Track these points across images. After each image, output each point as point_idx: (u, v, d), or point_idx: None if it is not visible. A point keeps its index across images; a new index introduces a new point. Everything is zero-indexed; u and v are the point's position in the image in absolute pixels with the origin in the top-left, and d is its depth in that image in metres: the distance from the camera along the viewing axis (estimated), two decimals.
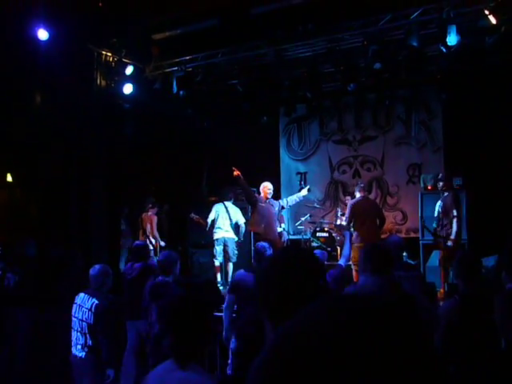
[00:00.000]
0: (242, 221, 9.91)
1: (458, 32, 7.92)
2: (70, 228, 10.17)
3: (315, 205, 11.79)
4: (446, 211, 8.37)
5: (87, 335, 5.14)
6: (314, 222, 11.61)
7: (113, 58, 10.41)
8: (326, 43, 9.27)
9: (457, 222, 8.19)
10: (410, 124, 11.98)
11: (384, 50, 8.91)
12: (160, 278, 5.83)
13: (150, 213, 10.98)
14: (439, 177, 8.76)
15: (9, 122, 9.72)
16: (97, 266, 5.41)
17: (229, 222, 9.87)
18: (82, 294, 5.31)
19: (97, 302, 5.16)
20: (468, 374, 3.32)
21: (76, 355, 5.20)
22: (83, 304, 5.22)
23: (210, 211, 10.11)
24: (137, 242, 8.25)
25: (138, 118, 10.95)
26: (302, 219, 11.37)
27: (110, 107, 10.42)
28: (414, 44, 8.39)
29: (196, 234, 10.92)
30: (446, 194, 8.48)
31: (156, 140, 11.58)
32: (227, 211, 9.90)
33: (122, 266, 10.75)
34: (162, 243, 10.99)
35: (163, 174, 12.13)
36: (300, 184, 12.90)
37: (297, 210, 12.12)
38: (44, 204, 10.70)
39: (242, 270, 6.07)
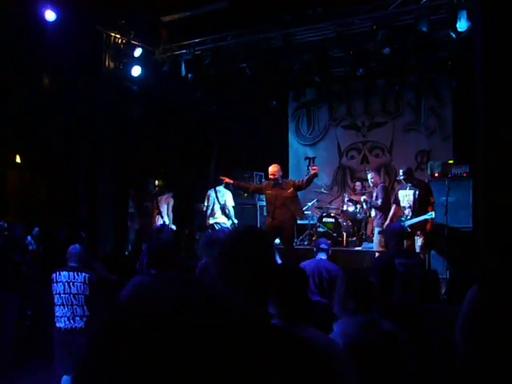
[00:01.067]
0: (229, 203, 10.05)
1: (469, 17, 7.82)
2: (77, 210, 10.22)
3: (322, 190, 11.76)
4: (421, 201, 8.44)
5: (84, 307, 5.51)
6: (320, 208, 11.60)
7: (121, 40, 10.37)
8: (335, 27, 9.17)
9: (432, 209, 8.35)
10: (420, 110, 11.90)
11: (393, 35, 8.81)
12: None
13: (166, 195, 11.03)
14: (403, 170, 8.74)
15: (17, 104, 9.75)
16: (77, 246, 5.83)
17: (218, 206, 9.96)
18: (65, 272, 5.62)
19: (88, 275, 5.59)
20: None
21: (76, 327, 5.50)
22: (73, 280, 5.56)
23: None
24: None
25: (146, 101, 10.94)
26: (309, 204, 11.34)
27: (118, 89, 10.40)
28: (424, 29, 8.28)
29: (202, 217, 10.92)
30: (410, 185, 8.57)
31: (164, 123, 11.57)
32: (216, 196, 9.96)
33: (129, 248, 10.83)
34: (173, 226, 11.03)
35: (171, 157, 12.13)
36: (308, 169, 12.90)
37: (304, 195, 12.07)
38: (52, 186, 10.77)
39: None
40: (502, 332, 2.74)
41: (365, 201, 9.92)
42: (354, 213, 10.88)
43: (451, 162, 9.59)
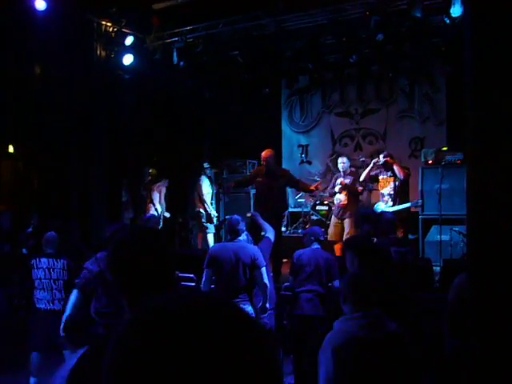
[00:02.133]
0: (202, 191, 10.34)
1: (463, 3, 7.76)
2: (70, 200, 10.19)
3: (316, 178, 11.71)
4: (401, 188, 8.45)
5: (62, 291, 5.92)
6: (314, 195, 11.57)
7: (112, 29, 10.29)
8: (328, 14, 9.12)
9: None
10: (414, 97, 11.86)
11: (387, 21, 8.75)
12: None
13: (158, 184, 11.00)
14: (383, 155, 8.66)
15: (9, 94, 9.66)
16: (53, 233, 6.21)
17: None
18: (44, 259, 6.02)
19: (66, 261, 6.03)
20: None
21: (54, 309, 5.90)
22: (53, 266, 5.99)
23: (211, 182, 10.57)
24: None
25: (138, 89, 10.87)
26: (302, 192, 11.31)
27: (109, 78, 10.33)
28: (418, 15, 8.23)
29: (196, 205, 10.90)
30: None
31: (156, 111, 11.50)
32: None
33: None
34: (167, 214, 11.00)
35: (164, 146, 12.08)
36: (301, 156, 12.88)
37: None
38: (45, 175, 10.72)
39: (216, 244, 6.05)
40: (492, 322, 2.72)
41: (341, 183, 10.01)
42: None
43: (445, 148, 9.56)
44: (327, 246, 7.83)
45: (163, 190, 10.95)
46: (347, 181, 8.87)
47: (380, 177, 8.68)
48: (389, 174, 8.53)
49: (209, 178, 10.69)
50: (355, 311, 3.04)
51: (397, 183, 8.39)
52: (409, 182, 8.61)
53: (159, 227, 8.27)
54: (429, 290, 6.45)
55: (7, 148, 11.90)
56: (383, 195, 8.58)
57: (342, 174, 9.08)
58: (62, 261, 6.04)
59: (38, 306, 5.98)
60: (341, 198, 8.81)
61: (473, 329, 2.64)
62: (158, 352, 0.67)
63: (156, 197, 10.88)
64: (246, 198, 11.33)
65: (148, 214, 8.78)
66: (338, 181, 8.95)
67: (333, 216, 9.16)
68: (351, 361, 2.88)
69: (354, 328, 2.97)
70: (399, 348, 3.05)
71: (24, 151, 11.65)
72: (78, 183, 10.20)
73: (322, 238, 6.18)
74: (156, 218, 7.87)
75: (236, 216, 5.92)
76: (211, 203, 10.59)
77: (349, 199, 8.77)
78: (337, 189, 8.88)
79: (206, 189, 10.44)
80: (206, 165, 10.83)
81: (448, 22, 8.22)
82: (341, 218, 8.77)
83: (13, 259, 7.55)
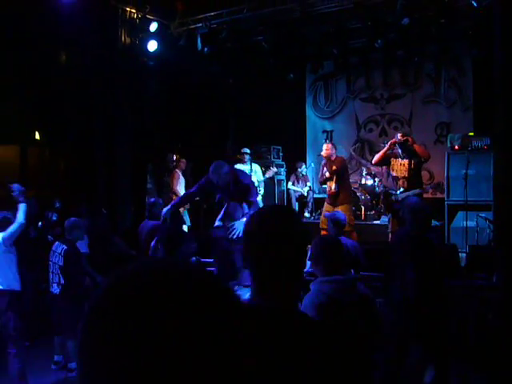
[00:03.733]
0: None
1: None
2: (96, 186, 10.30)
3: None
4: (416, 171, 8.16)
5: (60, 275, 6.23)
6: None
7: (137, 15, 10.32)
8: None
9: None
10: (440, 82, 11.71)
11: (413, 4, 8.65)
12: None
13: (177, 169, 11.01)
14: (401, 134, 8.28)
15: (35, 81, 9.77)
16: (71, 219, 6.49)
17: None
18: (56, 242, 6.45)
19: (66, 247, 6.26)
20: None
21: (52, 292, 6.30)
22: (56, 250, 6.32)
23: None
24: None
25: (162, 76, 10.90)
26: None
27: (134, 65, 10.38)
28: None
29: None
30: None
31: (181, 97, 11.53)
32: None
33: None
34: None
35: (188, 132, 12.12)
36: (326, 142, 12.82)
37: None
38: (71, 162, 10.83)
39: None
40: None
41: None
42: (373, 186, 10.81)
43: (471, 134, 9.46)
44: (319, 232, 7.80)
45: (176, 175, 10.93)
46: (334, 167, 8.56)
47: (394, 159, 8.34)
48: (404, 156, 8.19)
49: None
50: (326, 274, 3.23)
51: (412, 166, 8.08)
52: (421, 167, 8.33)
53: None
54: (455, 275, 6.42)
55: (34, 135, 12.04)
56: (397, 178, 8.25)
57: (325, 161, 8.77)
58: (62, 246, 6.32)
59: (50, 289, 6.38)
60: (331, 185, 8.63)
61: (505, 316, 2.64)
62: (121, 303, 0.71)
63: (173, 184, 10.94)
64: (271, 184, 11.39)
65: (152, 199, 8.60)
66: (325, 168, 8.71)
67: (325, 203, 8.90)
68: (331, 320, 3.01)
69: (331, 290, 3.13)
70: (370, 308, 3.29)
71: (50, 138, 11.77)
72: (104, 170, 10.30)
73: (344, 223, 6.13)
74: (160, 202, 7.75)
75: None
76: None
77: (339, 186, 8.55)
78: (327, 175, 8.60)
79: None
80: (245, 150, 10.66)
81: (475, 5, 8.10)
82: (333, 205, 8.51)
83: (38, 244, 7.66)
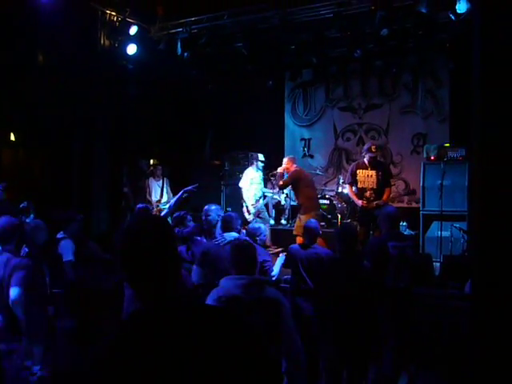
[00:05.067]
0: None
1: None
2: (71, 188, 10.19)
3: (318, 172, 11.73)
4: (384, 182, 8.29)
5: None
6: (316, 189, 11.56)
7: (117, 18, 10.25)
8: (333, 7, 9.07)
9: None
10: (417, 93, 11.84)
11: (392, 16, 8.72)
12: None
13: (151, 177, 10.98)
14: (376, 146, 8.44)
15: (11, 81, 9.64)
16: (32, 222, 6.51)
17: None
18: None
19: (27, 250, 5.99)
20: None
21: None
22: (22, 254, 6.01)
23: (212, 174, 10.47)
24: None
25: (141, 79, 10.84)
26: None
27: (113, 67, 10.30)
28: (423, 11, 8.20)
29: (198, 197, 10.88)
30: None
31: (159, 102, 11.48)
32: None
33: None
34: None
35: (166, 136, 12.07)
36: (303, 150, 12.87)
37: None
38: (47, 164, 10.70)
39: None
40: (494, 318, 2.74)
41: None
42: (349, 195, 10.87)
43: (447, 145, 9.56)
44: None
45: (147, 183, 10.94)
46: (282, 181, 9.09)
47: (361, 170, 8.37)
48: (371, 167, 8.29)
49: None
50: (236, 274, 3.61)
51: (379, 178, 8.18)
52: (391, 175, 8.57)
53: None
54: (429, 284, 6.47)
55: (9, 136, 11.88)
56: (364, 190, 8.31)
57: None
58: (25, 249, 6.11)
59: None
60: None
61: (475, 325, 2.67)
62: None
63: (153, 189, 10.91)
64: None
65: (140, 205, 8.57)
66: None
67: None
68: None
69: (234, 287, 3.47)
70: (275, 311, 3.48)
71: (25, 140, 11.62)
72: (79, 172, 10.20)
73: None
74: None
75: (231, 212, 5.99)
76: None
77: (297, 197, 9.15)
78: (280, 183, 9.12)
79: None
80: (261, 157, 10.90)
81: (453, 18, 8.20)
82: (300, 215, 8.86)
83: None
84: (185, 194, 8.16)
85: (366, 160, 8.31)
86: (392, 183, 8.85)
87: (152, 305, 1.62)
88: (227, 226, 5.52)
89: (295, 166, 9.14)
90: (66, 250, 6.90)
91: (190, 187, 8.68)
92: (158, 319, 1.58)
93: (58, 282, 6.79)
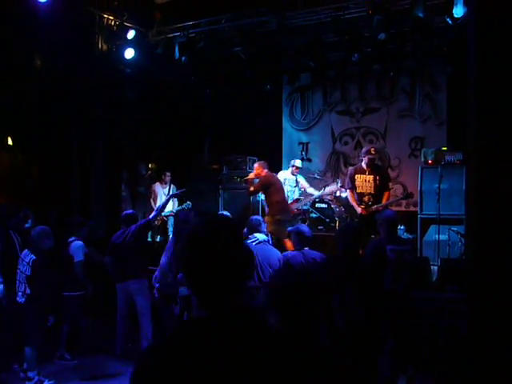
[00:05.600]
0: None
1: (465, 3, 7.75)
2: (70, 193, 10.18)
3: (316, 176, 11.74)
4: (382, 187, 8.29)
5: (25, 284, 6.17)
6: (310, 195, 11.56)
7: (114, 22, 10.27)
8: (331, 12, 9.09)
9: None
10: (414, 96, 11.85)
11: (389, 20, 8.73)
12: None
13: (157, 183, 11.00)
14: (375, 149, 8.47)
15: (8, 85, 9.65)
16: (38, 228, 6.46)
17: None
18: (25, 250, 6.38)
19: (34, 257, 6.19)
20: None
21: (18, 301, 6.22)
22: (24, 259, 6.27)
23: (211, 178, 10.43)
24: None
25: (139, 84, 10.85)
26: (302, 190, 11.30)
27: (111, 72, 10.31)
28: (420, 15, 8.22)
29: (196, 201, 10.89)
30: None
31: (157, 106, 11.49)
32: None
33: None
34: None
35: (165, 141, 12.08)
36: (301, 154, 12.89)
37: None
38: (45, 168, 10.70)
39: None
40: (490, 319, 2.75)
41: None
42: (347, 198, 10.86)
43: (445, 148, 9.57)
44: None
45: (156, 190, 10.95)
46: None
47: (359, 175, 8.38)
48: (368, 172, 8.30)
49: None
50: None
51: (378, 183, 8.20)
52: (390, 179, 8.59)
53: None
54: (426, 288, 6.47)
55: (6, 140, 11.87)
56: (363, 195, 8.33)
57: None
58: (31, 255, 6.24)
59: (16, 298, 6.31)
60: None
61: (472, 325, 2.67)
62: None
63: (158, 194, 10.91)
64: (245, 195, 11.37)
65: (128, 210, 8.55)
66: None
67: None
68: None
69: None
70: None
71: (23, 144, 11.61)
72: (78, 177, 10.20)
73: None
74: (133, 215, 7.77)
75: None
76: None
77: (265, 200, 9.46)
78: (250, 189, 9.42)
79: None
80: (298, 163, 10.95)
81: (450, 22, 8.22)
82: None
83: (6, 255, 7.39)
84: (172, 198, 8.34)
85: (364, 164, 8.32)
86: (390, 187, 8.85)
87: (216, 314, 1.50)
88: (256, 229, 6.13)
89: (266, 171, 9.30)
90: (77, 250, 7.14)
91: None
92: (219, 331, 1.46)
93: (71, 285, 7.06)
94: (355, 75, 12.16)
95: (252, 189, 9.29)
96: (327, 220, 10.63)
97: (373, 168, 8.30)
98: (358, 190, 8.33)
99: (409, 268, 5.28)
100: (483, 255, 3.49)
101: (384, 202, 8.23)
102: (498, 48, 2.79)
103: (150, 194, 10.95)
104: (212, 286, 1.54)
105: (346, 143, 12.68)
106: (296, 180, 10.86)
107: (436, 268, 7.51)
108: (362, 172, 8.31)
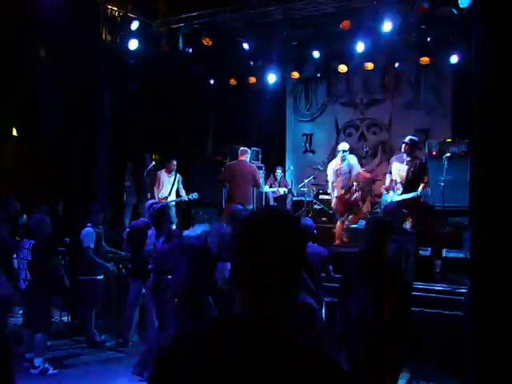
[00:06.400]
0: None
1: None
2: (74, 183, 10.19)
3: (319, 167, 11.73)
4: (414, 178, 8.21)
5: (26, 270, 6.34)
6: (317, 184, 11.56)
7: (118, 13, 10.24)
8: (335, 2, 9.05)
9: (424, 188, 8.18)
10: (419, 88, 11.81)
11: (394, 10, 8.71)
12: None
13: (163, 170, 10.96)
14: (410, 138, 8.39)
15: (13, 76, 9.66)
16: (36, 216, 6.75)
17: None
18: (25, 239, 6.60)
19: (33, 242, 6.38)
20: None
21: (20, 287, 6.35)
22: (24, 246, 6.46)
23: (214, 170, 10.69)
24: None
25: (143, 74, 10.84)
26: (306, 181, 11.26)
27: (115, 62, 10.29)
28: (425, 5, 8.19)
29: (199, 193, 10.87)
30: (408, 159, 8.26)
31: (161, 97, 11.47)
32: None
33: (126, 222, 10.82)
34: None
35: (169, 132, 12.07)
36: (305, 145, 12.87)
37: (301, 172, 12.11)
38: (49, 159, 10.73)
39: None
40: (494, 310, 2.74)
41: None
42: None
43: (449, 140, 9.54)
44: None
45: (161, 177, 10.86)
46: None
47: (395, 163, 8.45)
48: (405, 160, 8.31)
49: None
50: None
51: (410, 174, 8.20)
52: (426, 172, 8.40)
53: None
54: (429, 279, 6.48)
55: (11, 131, 11.90)
56: (395, 182, 8.38)
57: None
58: (30, 241, 6.42)
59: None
60: None
61: (476, 317, 2.67)
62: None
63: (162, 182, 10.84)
64: None
65: (150, 201, 8.53)
66: None
67: None
68: None
69: None
70: None
71: (28, 134, 11.64)
72: (82, 167, 10.20)
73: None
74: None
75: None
76: None
77: None
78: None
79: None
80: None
81: (456, 12, 8.18)
82: None
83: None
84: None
85: (404, 155, 8.31)
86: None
87: (251, 317, 1.35)
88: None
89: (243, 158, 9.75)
90: (87, 237, 7.41)
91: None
92: (244, 335, 1.32)
93: (84, 270, 7.42)
94: (359, 66, 12.11)
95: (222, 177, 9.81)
96: (330, 212, 10.61)
97: (411, 159, 8.28)
98: (392, 177, 8.46)
99: (411, 259, 5.28)
100: (487, 247, 3.49)
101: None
102: (504, 38, 2.78)
103: (154, 182, 10.84)
104: (258, 286, 1.37)
105: (349, 135, 12.66)
106: (348, 164, 9.38)
107: (439, 261, 7.51)
108: (401, 161, 8.37)
